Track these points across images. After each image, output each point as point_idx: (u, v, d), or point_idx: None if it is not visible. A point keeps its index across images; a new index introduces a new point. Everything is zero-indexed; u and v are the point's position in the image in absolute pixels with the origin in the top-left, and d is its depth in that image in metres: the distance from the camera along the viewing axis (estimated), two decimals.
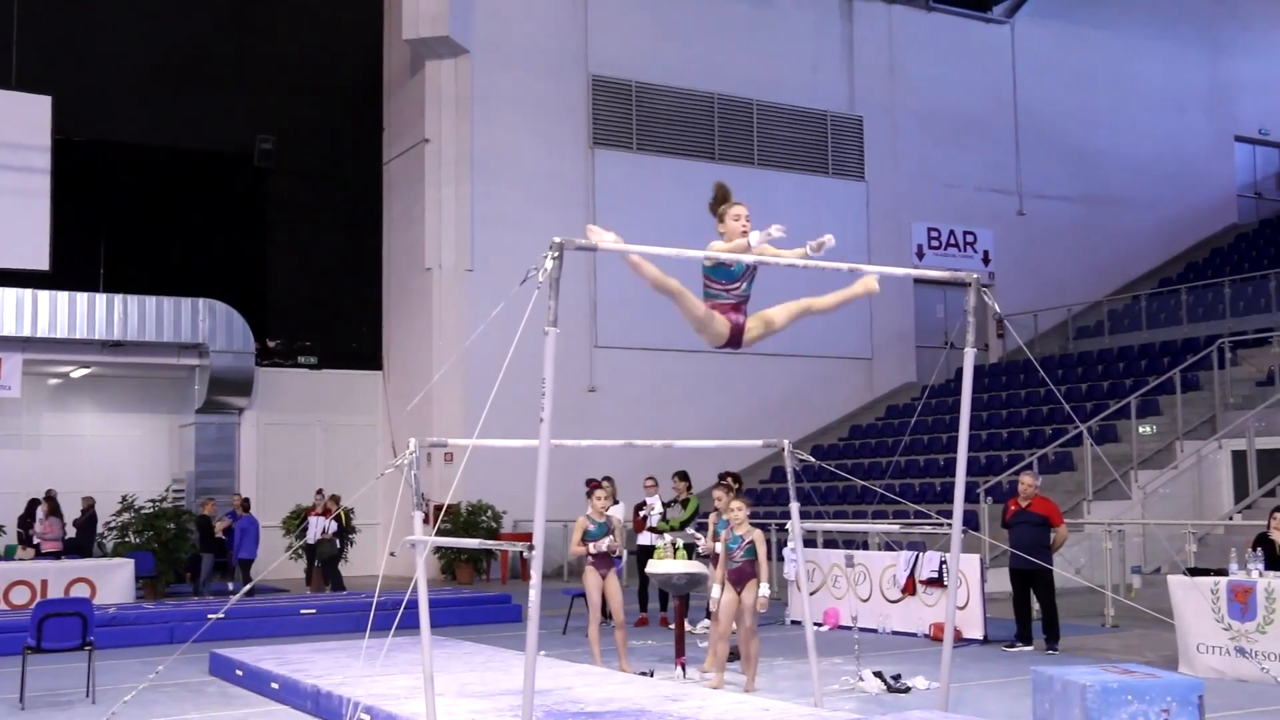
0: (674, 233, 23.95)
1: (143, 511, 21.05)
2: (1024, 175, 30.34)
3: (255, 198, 26.78)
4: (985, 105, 29.98)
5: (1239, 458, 18.89)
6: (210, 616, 12.71)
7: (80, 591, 16.78)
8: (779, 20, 27.89)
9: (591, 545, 11.20)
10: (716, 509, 11.59)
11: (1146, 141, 31.80)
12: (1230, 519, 17.15)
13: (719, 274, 7.07)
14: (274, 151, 26.18)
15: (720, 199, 7.31)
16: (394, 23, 25.66)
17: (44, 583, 17.02)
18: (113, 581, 17.73)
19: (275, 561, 17.64)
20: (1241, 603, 10.86)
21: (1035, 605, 13.17)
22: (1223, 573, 11.27)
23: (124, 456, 24.93)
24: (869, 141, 28.71)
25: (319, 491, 21.39)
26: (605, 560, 11.26)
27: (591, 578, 11.23)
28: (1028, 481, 13.49)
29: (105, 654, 11.77)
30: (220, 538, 20.70)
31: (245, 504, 21.03)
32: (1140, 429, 20.38)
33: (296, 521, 22.06)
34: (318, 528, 19.82)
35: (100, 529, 21.67)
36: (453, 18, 24.35)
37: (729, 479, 14.83)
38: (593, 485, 11.68)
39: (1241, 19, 33.64)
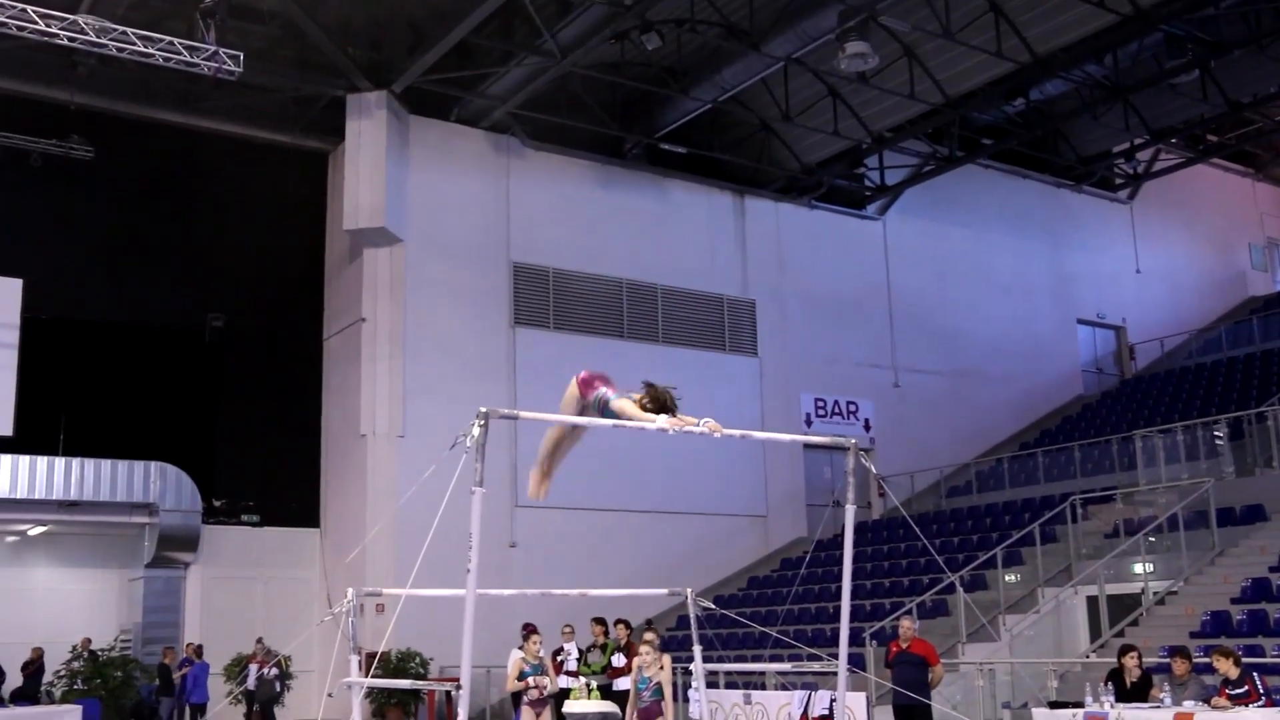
0: None
1: (96, 656, 20.40)
2: (898, 351, 31.01)
3: (205, 370, 26.58)
4: (862, 290, 30.75)
5: (1092, 602, 19.08)
6: None
7: None
8: (680, 215, 28.60)
9: (533, 680, 11.04)
10: (633, 653, 11.52)
11: (1001, 323, 32.74)
12: (1086, 657, 17.26)
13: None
14: (224, 328, 26.11)
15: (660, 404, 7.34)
16: (335, 214, 25.93)
17: None
18: None
19: (218, 706, 17.12)
20: None
21: None
22: (1079, 705, 11.37)
23: (75, 608, 24.14)
24: (761, 321, 29.24)
25: (259, 640, 20.92)
26: (541, 701, 11.13)
27: (528, 716, 11.07)
28: (907, 625, 13.59)
29: None
30: (175, 683, 20.14)
31: (198, 651, 20.49)
32: (1006, 577, 20.57)
33: (238, 669, 21.49)
34: (254, 674, 19.34)
35: (49, 677, 20.91)
36: (389, 211, 24.68)
37: (621, 625, 14.81)
38: (529, 630, 11.58)
39: (1077, 219, 35.03)
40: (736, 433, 8.00)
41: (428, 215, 25.51)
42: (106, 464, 23.33)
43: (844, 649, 8.37)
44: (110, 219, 25.33)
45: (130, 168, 25.46)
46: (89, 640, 21.09)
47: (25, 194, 24.13)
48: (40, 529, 24.34)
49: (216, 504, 25.63)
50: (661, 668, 10.29)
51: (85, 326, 25.16)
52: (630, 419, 7.13)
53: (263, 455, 26.14)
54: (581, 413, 7.34)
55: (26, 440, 22.36)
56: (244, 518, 25.97)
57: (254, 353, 26.50)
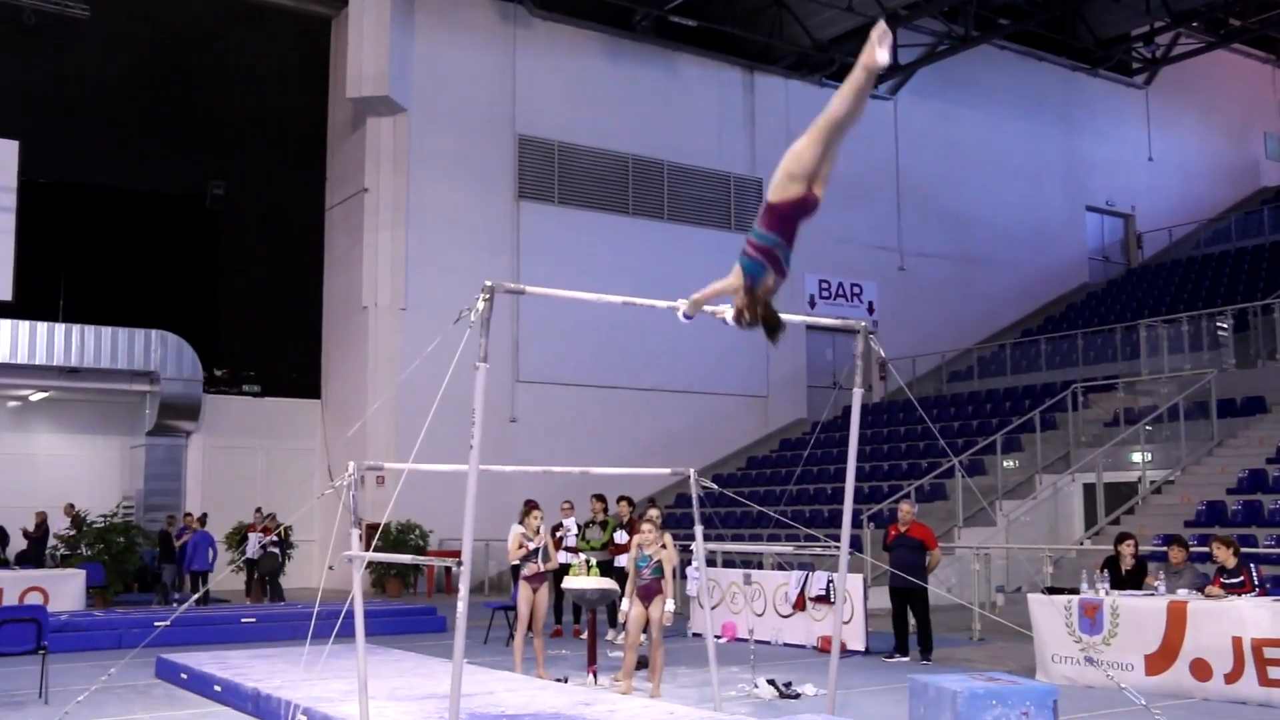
0: (591, 278, 24.19)
1: (94, 526, 20.57)
2: (904, 235, 30.80)
3: (206, 238, 26.43)
4: (871, 172, 30.36)
5: (1089, 490, 19.22)
6: (157, 624, 12.42)
7: (34, 599, 16.32)
8: (688, 91, 28.13)
9: (531, 564, 11.08)
10: (635, 530, 11.55)
11: (1010, 208, 32.46)
12: (1081, 544, 17.41)
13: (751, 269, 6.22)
14: (225, 196, 25.88)
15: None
16: (339, 82, 25.49)
17: None
18: (65, 590, 17.26)
19: (219, 576, 17.33)
20: (1090, 618, 11.05)
21: (912, 620, 13.29)
22: (1074, 592, 11.46)
23: (77, 475, 24.32)
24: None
25: (258, 510, 21.10)
26: (539, 576, 11.19)
27: (525, 592, 11.14)
28: (906, 509, 13.64)
29: (58, 658, 11.43)
30: (178, 550, 20.35)
31: (202, 520, 20.68)
32: (1005, 463, 20.69)
33: (238, 538, 21.72)
34: (255, 543, 19.55)
35: (52, 542, 21.15)
36: (393, 79, 24.26)
37: (624, 502, 14.85)
38: (530, 505, 11.59)
39: (1092, 105, 34.50)
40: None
41: (432, 85, 25.08)
42: (107, 331, 23.30)
43: (846, 531, 8.38)
44: (108, 82, 24.91)
45: (129, 29, 24.92)
46: (71, 506, 21.16)
47: (19, 53, 23.68)
48: (41, 395, 24.39)
49: (217, 373, 25.69)
50: (664, 546, 10.32)
51: (84, 191, 24.96)
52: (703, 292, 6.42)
53: (264, 325, 26.13)
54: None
55: (26, 305, 22.33)
56: (245, 388, 26.05)
57: (255, 221, 26.32)
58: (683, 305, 6.80)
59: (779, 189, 6.16)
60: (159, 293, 25.30)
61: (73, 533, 20.47)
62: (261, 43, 26.03)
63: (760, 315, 6.14)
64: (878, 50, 5.66)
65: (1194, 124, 36.69)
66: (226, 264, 26.52)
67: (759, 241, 6.18)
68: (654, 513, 12.02)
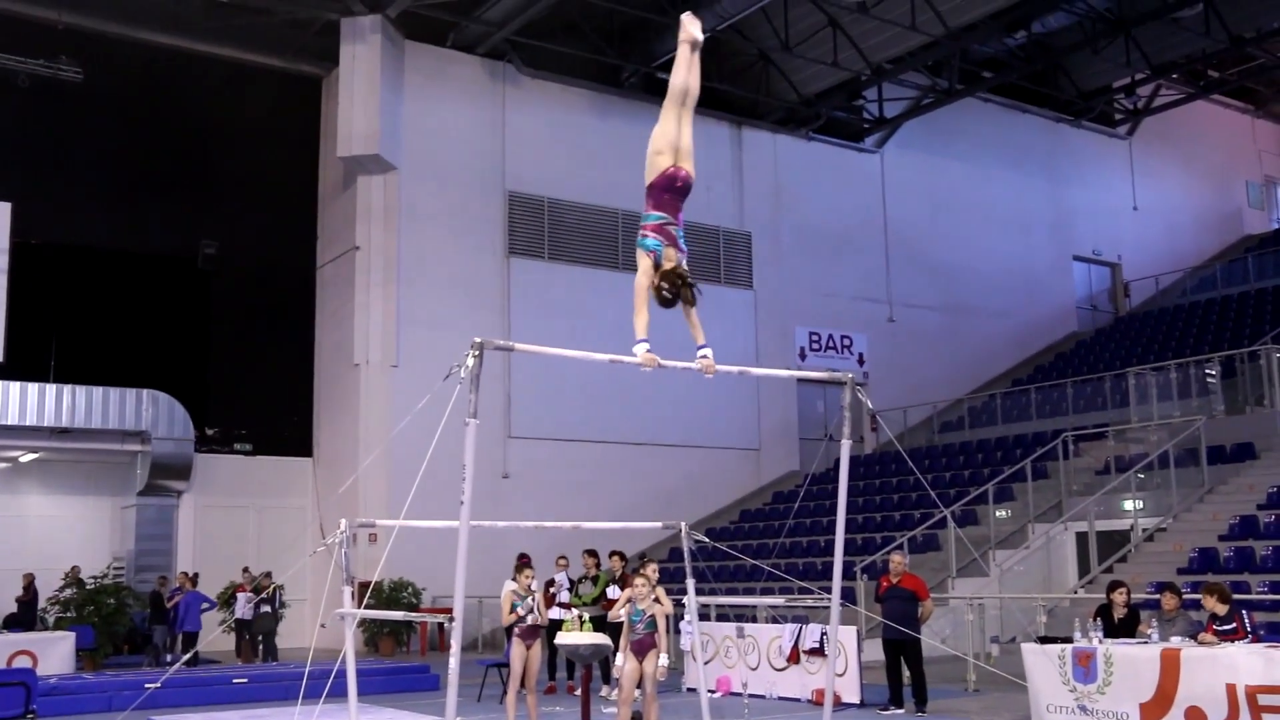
0: (580, 333, 24.31)
1: (86, 587, 20.46)
2: (893, 286, 30.94)
3: (198, 297, 26.47)
4: (858, 224, 30.61)
5: (1082, 538, 19.22)
6: (148, 685, 12.33)
7: (22, 663, 16.20)
8: None
9: (522, 608, 11.04)
10: (627, 585, 11.52)
11: (998, 258, 32.66)
12: (1075, 592, 17.38)
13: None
14: (216, 255, 25.95)
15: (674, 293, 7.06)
16: (330, 141, 25.67)
17: None
18: (54, 653, 17.17)
19: (210, 635, 17.21)
20: (1084, 666, 11.03)
21: (906, 672, 13.25)
22: (1068, 640, 11.44)
23: (68, 536, 24.19)
24: (757, 254, 29.12)
25: (245, 570, 21.03)
26: (532, 632, 11.14)
27: (518, 648, 11.08)
28: (897, 560, 13.64)
29: None
30: (169, 611, 20.25)
31: (194, 580, 20.59)
32: (997, 513, 20.68)
33: (227, 597, 21.59)
34: (244, 602, 19.46)
35: (42, 604, 21.02)
36: (383, 138, 24.44)
37: (616, 556, 14.82)
38: (523, 561, 11.57)
39: (1076, 155, 34.85)
40: (734, 369, 7.95)
41: (422, 143, 25.27)
42: (98, 391, 23.26)
43: (837, 583, 8.39)
44: (101, 143, 25.07)
45: (121, 91, 25.14)
46: (78, 569, 21.13)
47: (13, 116, 23.85)
48: (32, 456, 24.31)
49: (209, 432, 25.63)
50: (658, 600, 10.30)
51: (76, 252, 25.02)
52: (636, 308, 6.98)
53: (255, 384, 26.11)
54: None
55: (17, 366, 22.29)
56: (236, 446, 25.98)
57: (247, 280, 26.37)
58: (642, 353, 6.99)
59: (650, 169, 7.35)
60: (150, 352, 25.29)
61: (72, 592, 20.37)
62: (253, 103, 26.23)
63: (673, 283, 6.86)
64: (689, 27, 7.28)
65: (1177, 173, 37.08)
66: (218, 323, 26.54)
67: (648, 222, 7.55)
68: (652, 568, 12.00)
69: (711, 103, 28.58)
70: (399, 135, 24.94)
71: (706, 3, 24.49)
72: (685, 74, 7.12)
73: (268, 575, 20.00)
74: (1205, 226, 37.11)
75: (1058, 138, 34.47)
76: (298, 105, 26.62)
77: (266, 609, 19.41)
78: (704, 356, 7.21)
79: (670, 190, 7.17)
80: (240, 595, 19.84)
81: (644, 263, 6.90)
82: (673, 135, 7.23)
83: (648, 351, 6.94)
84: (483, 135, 26.11)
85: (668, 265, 6.88)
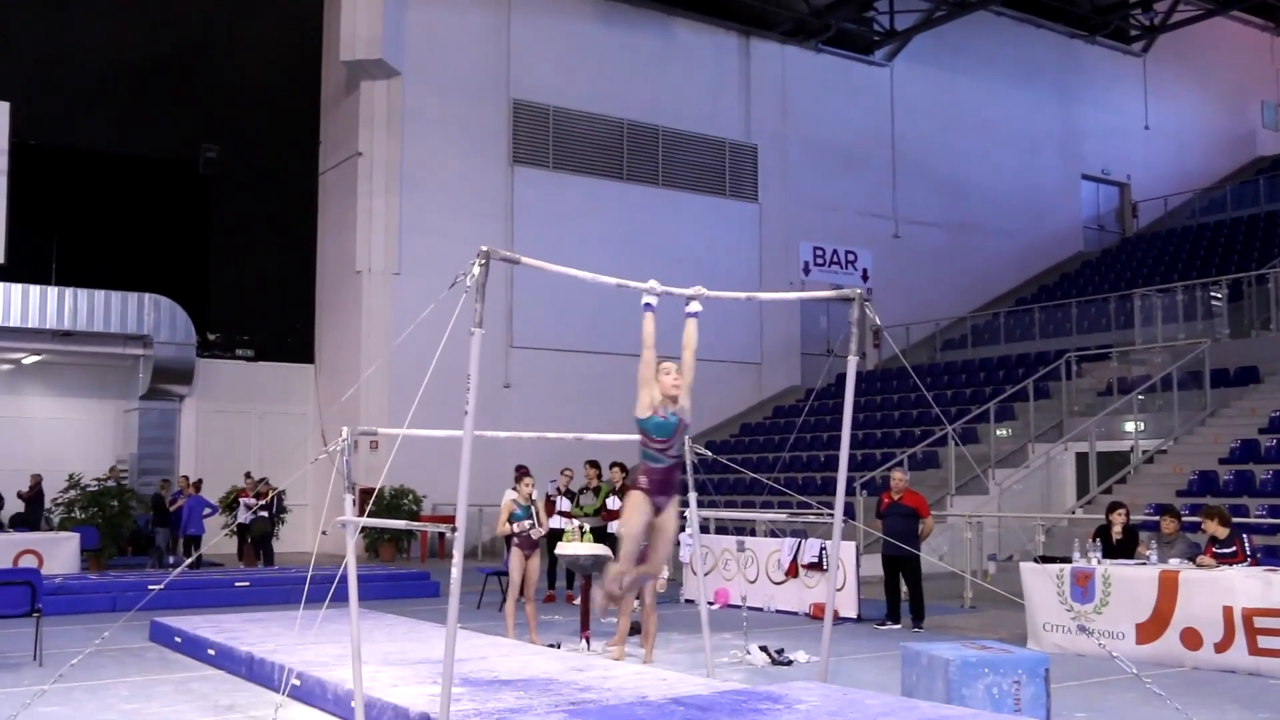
0: (585, 244, 24.16)
1: (88, 490, 20.57)
2: (899, 202, 30.72)
3: (199, 202, 26.30)
4: (866, 138, 30.30)
5: (1082, 459, 19.26)
6: (151, 587, 12.39)
7: (28, 562, 16.34)
8: (684, 55, 27.96)
9: (517, 526, 11.09)
10: (627, 496, 11.52)
11: (1005, 177, 32.38)
12: (1074, 513, 17.45)
13: (653, 429, 7.18)
14: (218, 160, 25.75)
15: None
16: (332, 45, 25.31)
17: None
18: (59, 554, 17.31)
19: (212, 540, 17.33)
20: (1082, 587, 11.08)
21: (904, 588, 13.34)
22: (1066, 560, 11.49)
23: (71, 438, 24.29)
24: (762, 167, 28.86)
25: (248, 474, 21.12)
26: (530, 542, 11.18)
27: (516, 558, 11.13)
28: (898, 477, 13.65)
29: (52, 620, 11.45)
30: (172, 514, 20.40)
31: (197, 485, 20.70)
32: (998, 432, 20.70)
33: (230, 503, 21.73)
34: (246, 508, 19.60)
35: (48, 505, 21.16)
36: (386, 43, 24.09)
37: (618, 468, 14.84)
38: (521, 472, 11.57)
39: (1088, 72, 34.39)
40: (742, 295, 7.87)
41: (426, 48, 24.92)
42: (100, 294, 23.21)
43: (840, 498, 8.38)
44: (102, 45, 24.72)
45: None
46: (80, 476, 21.23)
47: (12, 14, 23.48)
48: (35, 358, 24.32)
49: (211, 337, 25.62)
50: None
51: (76, 154, 24.80)
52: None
53: (257, 290, 26.04)
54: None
55: (18, 268, 22.21)
56: (238, 352, 26.00)
57: (248, 185, 26.18)
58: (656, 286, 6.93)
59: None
60: (152, 256, 25.19)
61: (75, 494, 20.50)
62: (256, 6, 25.84)
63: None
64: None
65: (1191, 92, 36.58)
66: (219, 228, 26.39)
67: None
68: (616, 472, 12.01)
69: (720, 12, 28.17)
70: (403, 40, 24.58)
71: None
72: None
73: (264, 481, 20.12)
74: (1217, 147, 36.71)
75: (1071, 54, 33.97)
76: (301, 8, 26.21)
77: (264, 513, 19.54)
78: (697, 287, 7.20)
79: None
80: (242, 500, 19.97)
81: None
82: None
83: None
84: (487, 42, 25.74)
85: (665, 380, 7.02)
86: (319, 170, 26.46)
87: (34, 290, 22.62)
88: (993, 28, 32.12)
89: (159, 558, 20.48)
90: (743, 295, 8.02)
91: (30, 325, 22.61)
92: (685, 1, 27.64)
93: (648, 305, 7.10)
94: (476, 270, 6.42)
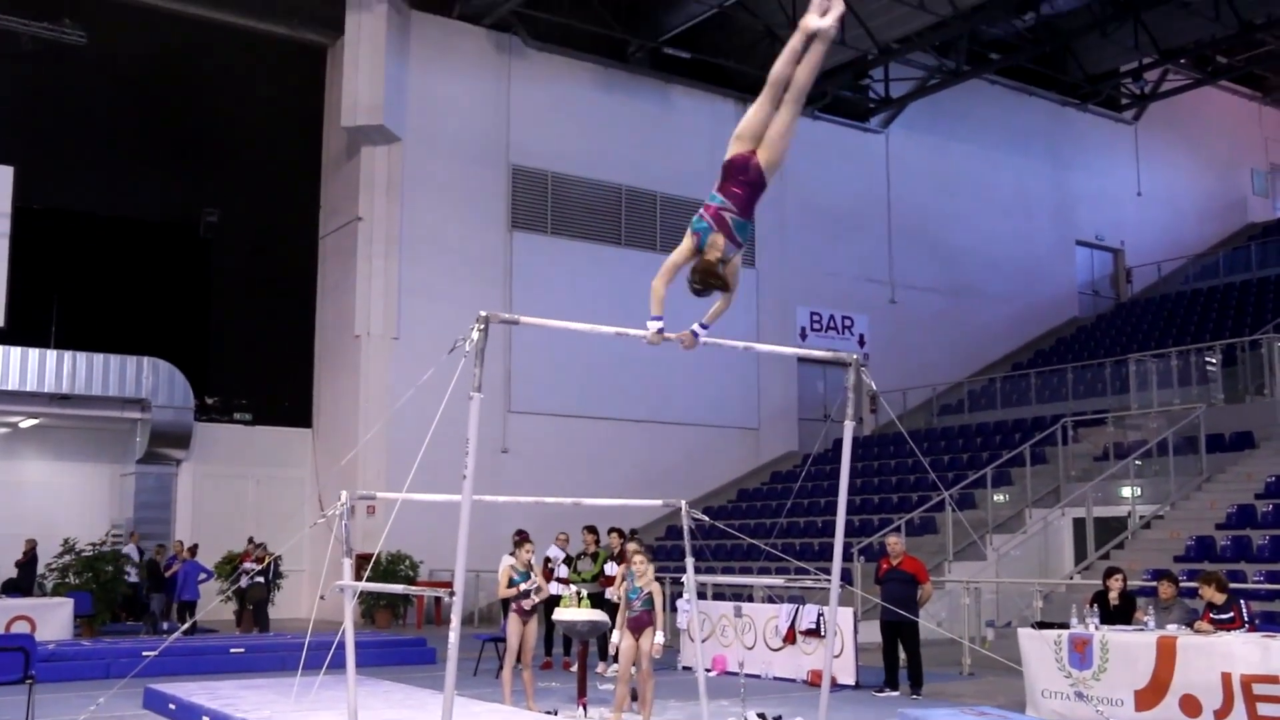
0: (583, 308, 24.22)
1: (83, 554, 20.48)
2: (895, 267, 30.90)
3: (199, 265, 26.44)
4: (862, 204, 30.55)
5: (1079, 524, 19.24)
6: (146, 653, 12.34)
7: (21, 628, 16.23)
8: (682, 122, 28.23)
9: (522, 587, 11.04)
10: (624, 562, 11.54)
11: (1000, 242, 32.60)
12: (1071, 579, 17.42)
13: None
14: (218, 224, 25.92)
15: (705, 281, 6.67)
16: (334, 111, 25.58)
17: None
18: (52, 619, 17.17)
19: (209, 605, 17.24)
20: (1080, 653, 11.05)
21: (902, 654, 13.28)
22: (1064, 626, 11.46)
23: (67, 502, 24.19)
24: (760, 233, 29.00)
25: (250, 540, 21.04)
26: (529, 607, 11.14)
27: (514, 623, 11.09)
28: (894, 542, 13.66)
29: (45, 688, 11.35)
30: (167, 579, 20.31)
31: (192, 550, 20.63)
32: (995, 497, 20.70)
33: (229, 568, 21.62)
34: (245, 573, 19.52)
35: (41, 570, 21.04)
36: (387, 109, 24.36)
37: (615, 533, 14.83)
38: (521, 537, 11.57)
39: (1080, 140, 34.76)
40: (739, 343, 7.91)
41: (427, 114, 25.19)
42: (99, 358, 23.26)
43: (837, 564, 8.38)
44: (104, 108, 24.99)
45: (125, 55, 25.03)
46: (75, 540, 21.14)
47: (16, 79, 23.75)
48: (32, 421, 24.32)
49: (209, 401, 25.63)
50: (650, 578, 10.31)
51: (78, 218, 24.98)
52: (656, 281, 6.61)
53: (256, 353, 26.11)
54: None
55: (19, 331, 22.26)
56: (236, 416, 25.99)
57: (248, 249, 26.34)
58: (652, 331, 6.74)
59: (729, 148, 6.71)
60: (151, 319, 25.28)
61: (70, 559, 20.39)
62: (257, 71, 26.14)
63: (705, 278, 6.45)
64: (812, 15, 6.48)
65: (1182, 160, 36.97)
66: (219, 291, 26.52)
67: (709, 203, 6.72)
68: (632, 546, 12.02)
69: (717, 79, 28.50)
70: (403, 106, 24.86)
71: None
72: (787, 64, 6.52)
73: (262, 546, 20.07)
74: (1209, 213, 37.03)
75: (1063, 121, 34.36)
76: (302, 74, 26.52)
77: (260, 579, 19.45)
78: (692, 331, 6.91)
79: (737, 177, 6.66)
80: (246, 565, 19.91)
81: (686, 241, 6.51)
82: (759, 119, 6.61)
83: (659, 332, 6.72)
84: (487, 107, 26.03)
85: (710, 255, 6.47)
86: (319, 234, 26.63)
87: (33, 353, 22.69)
88: (986, 96, 32.51)
89: (153, 624, 20.36)
90: (740, 344, 8.05)
91: (28, 388, 22.65)
92: (682, 69, 27.97)
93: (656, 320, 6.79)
94: (476, 334, 6.48)
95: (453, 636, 6.33)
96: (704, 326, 6.95)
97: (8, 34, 22.67)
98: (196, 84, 25.73)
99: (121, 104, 25.18)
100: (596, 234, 26.96)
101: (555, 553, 15.24)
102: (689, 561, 9.71)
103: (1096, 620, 11.38)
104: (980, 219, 32.31)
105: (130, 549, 21.78)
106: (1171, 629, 10.79)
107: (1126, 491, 19.34)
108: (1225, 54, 32.98)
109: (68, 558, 20.42)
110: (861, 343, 29.99)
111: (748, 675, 12.77)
